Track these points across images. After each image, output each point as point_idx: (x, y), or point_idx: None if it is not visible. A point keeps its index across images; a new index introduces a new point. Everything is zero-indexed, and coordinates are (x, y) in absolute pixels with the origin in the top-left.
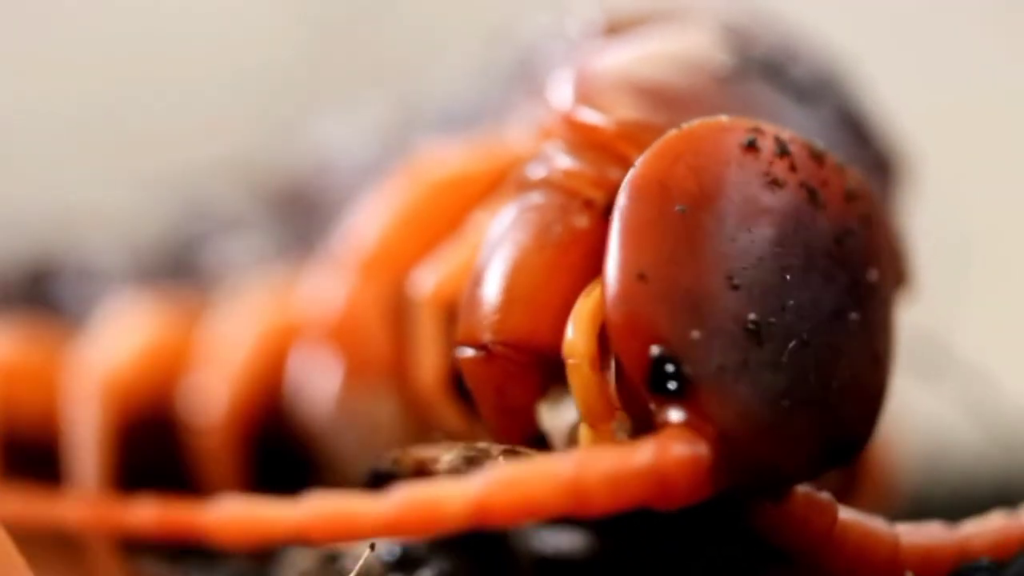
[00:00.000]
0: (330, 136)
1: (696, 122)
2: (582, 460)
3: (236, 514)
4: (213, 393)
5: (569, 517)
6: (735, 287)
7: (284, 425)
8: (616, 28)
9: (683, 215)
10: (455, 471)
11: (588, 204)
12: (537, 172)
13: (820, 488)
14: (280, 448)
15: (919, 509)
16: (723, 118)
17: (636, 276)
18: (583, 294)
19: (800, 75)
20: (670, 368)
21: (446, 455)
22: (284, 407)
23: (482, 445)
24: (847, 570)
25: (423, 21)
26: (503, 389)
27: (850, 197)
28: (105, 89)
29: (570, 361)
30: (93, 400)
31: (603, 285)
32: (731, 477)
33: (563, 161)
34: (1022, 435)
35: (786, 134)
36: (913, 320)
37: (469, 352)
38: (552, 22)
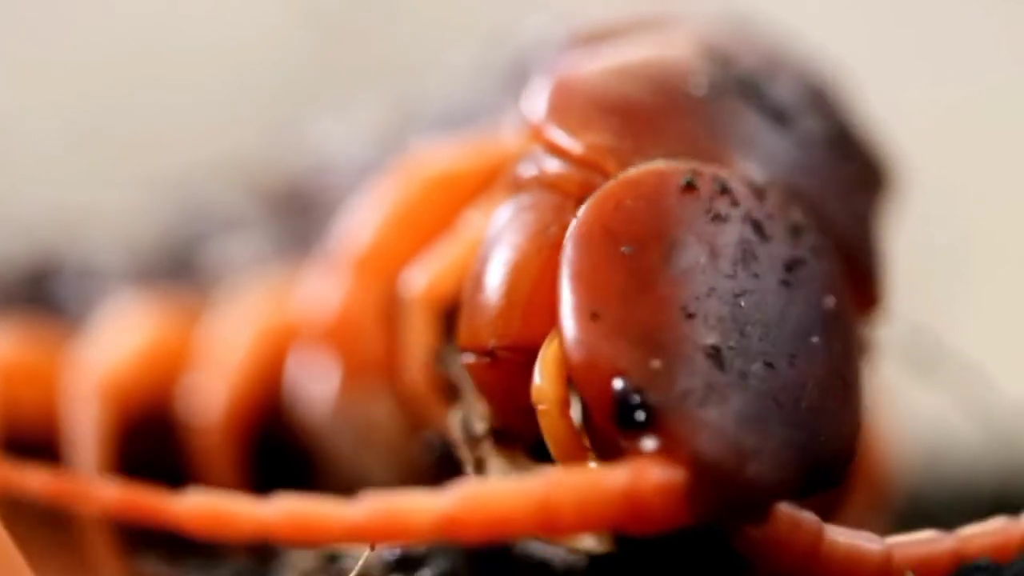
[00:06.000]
0: (328, 136)
1: (633, 170)
2: (553, 480)
3: (204, 506)
4: (212, 392)
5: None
6: (690, 316)
7: (282, 424)
8: (599, 37)
9: (630, 255)
10: (460, 436)
11: (581, 203)
12: (528, 172)
13: (804, 506)
14: (279, 447)
15: (917, 508)
16: (660, 163)
17: (589, 316)
18: (547, 340)
19: (780, 93)
20: (635, 399)
21: (455, 414)
22: (282, 406)
23: (478, 433)
24: None
25: (423, 22)
26: (510, 391)
27: (796, 230)
28: (105, 89)
29: (540, 408)
30: (93, 399)
31: (559, 330)
32: (708, 501)
33: (552, 164)
34: (1020, 434)
35: (724, 172)
36: (911, 319)
37: (475, 358)
38: (546, 24)
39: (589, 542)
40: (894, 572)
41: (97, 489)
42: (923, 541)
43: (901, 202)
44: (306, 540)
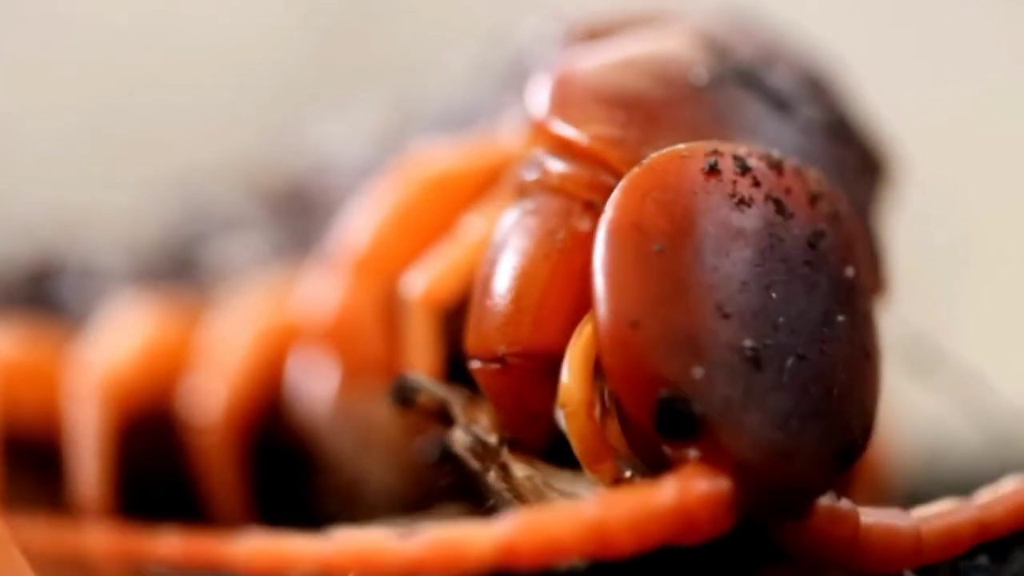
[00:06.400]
0: (329, 137)
1: (656, 155)
2: (606, 503)
3: (261, 548)
4: (212, 392)
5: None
6: (726, 316)
7: (282, 424)
8: (598, 33)
9: (662, 253)
10: (471, 451)
11: (588, 206)
12: (532, 176)
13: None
14: (279, 447)
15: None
16: (681, 146)
17: (629, 325)
18: (572, 338)
19: (779, 81)
20: (679, 409)
21: (459, 432)
22: (282, 407)
23: (492, 443)
24: (875, 570)
25: (423, 22)
26: (521, 397)
27: (815, 199)
28: (105, 89)
29: (567, 409)
30: (93, 399)
31: (595, 332)
32: (754, 504)
33: (556, 165)
34: (1019, 435)
35: (743, 149)
36: (911, 319)
37: (484, 364)
38: (544, 24)
39: None
40: (924, 547)
41: (154, 542)
42: (946, 513)
43: (900, 200)
44: (365, 574)
